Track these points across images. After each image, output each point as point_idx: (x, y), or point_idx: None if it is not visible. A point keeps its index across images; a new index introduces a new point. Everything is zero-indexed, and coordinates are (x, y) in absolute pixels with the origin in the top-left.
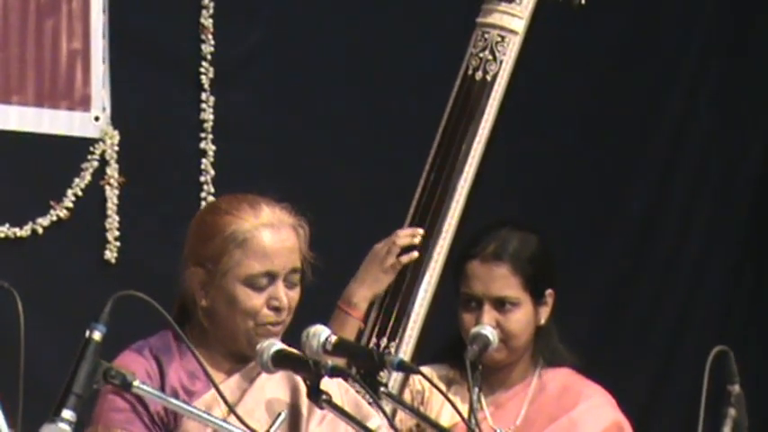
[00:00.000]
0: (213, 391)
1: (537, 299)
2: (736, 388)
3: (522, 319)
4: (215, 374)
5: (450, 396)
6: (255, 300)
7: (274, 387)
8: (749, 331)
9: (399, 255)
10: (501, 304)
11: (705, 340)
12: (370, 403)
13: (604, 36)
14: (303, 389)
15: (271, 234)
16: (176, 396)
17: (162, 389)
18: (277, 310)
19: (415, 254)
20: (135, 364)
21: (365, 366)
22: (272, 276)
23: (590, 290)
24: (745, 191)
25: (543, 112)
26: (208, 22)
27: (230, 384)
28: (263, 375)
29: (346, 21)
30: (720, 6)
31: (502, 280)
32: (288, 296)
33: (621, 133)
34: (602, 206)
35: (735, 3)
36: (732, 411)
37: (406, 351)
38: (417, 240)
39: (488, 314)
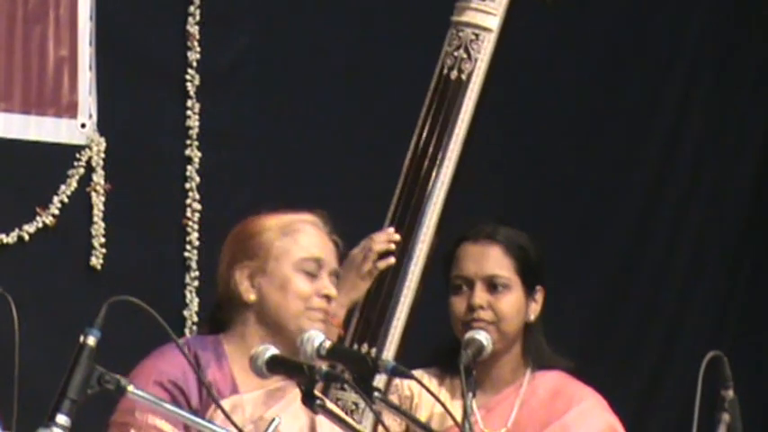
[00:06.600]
0: (240, 396)
1: (528, 289)
2: (730, 393)
3: (515, 303)
4: (244, 385)
5: (444, 400)
6: (306, 285)
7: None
8: (743, 336)
9: (376, 260)
10: (493, 286)
11: (699, 345)
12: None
13: (597, 37)
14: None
15: (315, 229)
16: (211, 387)
17: (199, 380)
18: (327, 298)
19: (392, 259)
20: (173, 354)
21: (359, 371)
22: (320, 265)
23: (583, 293)
24: (738, 195)
25: (536, 113)
26: (194, 29)
27: (254, 396)
28: (288, 397)
29: (330, 28)
30: (714, 7)
31: (495, 259)
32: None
33: (615, 134)
34: (595, 209)
35: (728, 4)
36: (726, 416)
37: (387, 356)
38: (393, 246)
39: (480, 294)
